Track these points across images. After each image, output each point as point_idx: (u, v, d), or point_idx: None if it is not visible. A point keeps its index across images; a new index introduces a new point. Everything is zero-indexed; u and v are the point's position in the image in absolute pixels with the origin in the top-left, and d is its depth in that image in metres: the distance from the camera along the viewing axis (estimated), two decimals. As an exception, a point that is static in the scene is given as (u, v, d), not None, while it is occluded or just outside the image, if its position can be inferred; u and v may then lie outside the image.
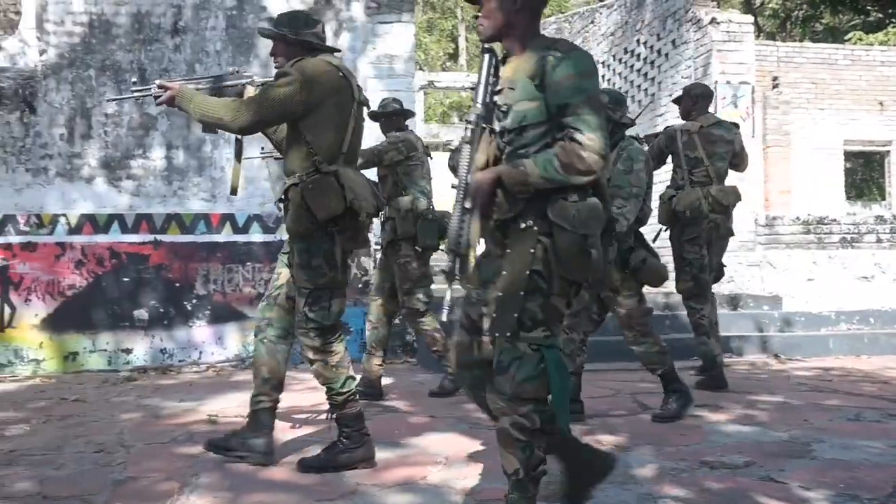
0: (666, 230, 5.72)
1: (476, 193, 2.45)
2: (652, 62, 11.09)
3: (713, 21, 9.62)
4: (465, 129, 2.55)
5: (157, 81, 3.63)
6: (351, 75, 3.65)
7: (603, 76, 11.91)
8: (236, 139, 3.81)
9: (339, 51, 3.92)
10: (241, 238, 7.14)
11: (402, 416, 4.77)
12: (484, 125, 2.52)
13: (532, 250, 2.43)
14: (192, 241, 7.08)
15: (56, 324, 6.87)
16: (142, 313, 7.00)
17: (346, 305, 6.00)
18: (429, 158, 5.51)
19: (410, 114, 5.66)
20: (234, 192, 3.82)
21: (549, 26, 13.25)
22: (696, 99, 5.75)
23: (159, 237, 7.05)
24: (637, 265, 4.44)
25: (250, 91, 3.70)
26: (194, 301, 7.07)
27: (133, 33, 7.11)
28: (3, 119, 6.95)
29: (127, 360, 6.94)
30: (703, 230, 5.55)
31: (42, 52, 7.07)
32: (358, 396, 3.64)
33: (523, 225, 2.46)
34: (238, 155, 3.83)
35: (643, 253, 4.48)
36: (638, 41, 11.51)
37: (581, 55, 2.50)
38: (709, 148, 5.60)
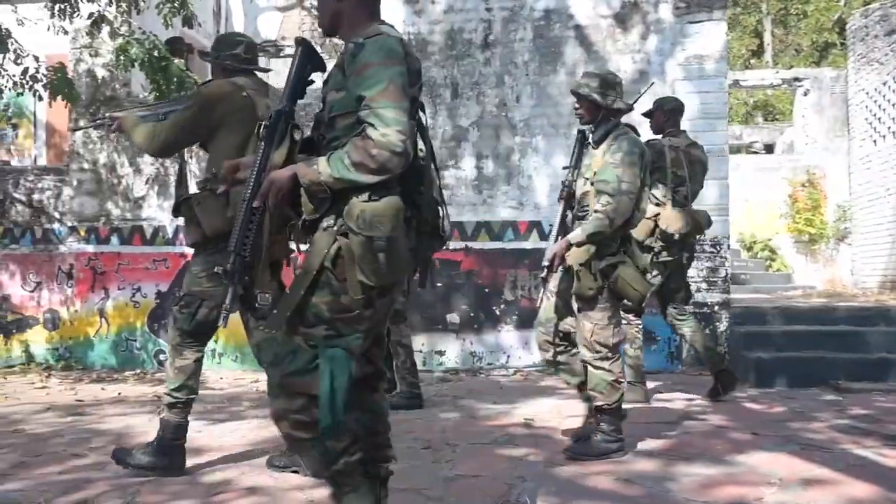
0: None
1: (267, 192, 2.29)
2: None
3: None
4: (259, 126, 2.44)
5: (108, 114, 3.96)
6: (260, 94, 3.73)
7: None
8: (179, 166, 4.04)
9: (263, 70, 4.04)
10: (547, 245, 7.19)
11: (720, 432, 4.54)
12: (291, 122, 2.39)
13: (326, 249, 2.24)
14: (501, 247, 7.27)
15: (377, 325, 7.35)
16: (454, 317, 7.31)
17: (655, 314, 5.92)
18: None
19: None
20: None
21: (873, 13, 12.12)
22: (669, 114, 5.55)
23: (470, 244, 7.32)
24: (606, 272, 3.91)
25: None
26: (502, 306, 7.26)
27: (446, 50, 7.46)
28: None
29: (440, 362, 7.28)
30: (678, 252, 5.42)
31: (366, 73, 7.61)
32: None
33: (325, 225, 2.27)
34: (178, 182, 3.96)
35: (614, 260, 3.92)
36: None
37: (382, 42, 2.28)
38: (690, 168, 5.42)
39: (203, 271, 3.65)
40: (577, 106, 4.18)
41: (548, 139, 7.30)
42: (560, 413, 5.04)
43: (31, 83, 6.77)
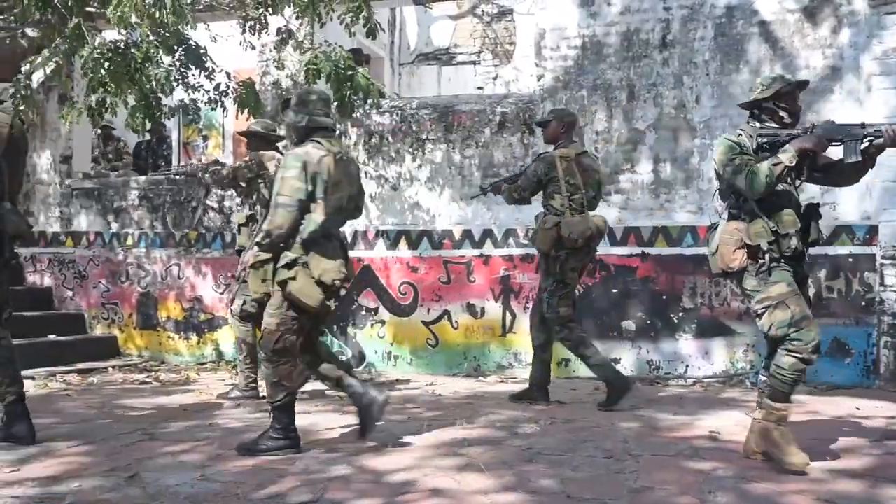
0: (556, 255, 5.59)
1: None
2: None
3: None
4: None
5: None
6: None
7: None
8: None
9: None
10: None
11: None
12: None
13: None
14: (679, 253, 7.04)
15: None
16: (629, 324, 7.13)
17: (848, 325, 5.55)
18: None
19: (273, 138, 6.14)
20: None
21: None
22: (566, 126, 5.79)
23: (647, 250, 7.13)
24: (280, 282, 4.10)
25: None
26: (681, 314, 7.01)
27: (622, 51, 7.30)
28: (505, 141, 7.58)
29: (615, 370, 7.11)
30: (584, 257, 5.67)
31: (539, 78, 7.58)
32: None
33: None
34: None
35: (290, 273, 4.09)
36: None
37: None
38: (583, 176, 5.66)
39: None
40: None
41: (730, 141, 7.00)
42: (748, 427, 4.79)
43: (221, 98, 7.17)
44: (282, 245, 4.12)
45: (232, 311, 6.19)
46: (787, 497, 3.34)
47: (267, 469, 3.81)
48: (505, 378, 7.20)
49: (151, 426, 4.87)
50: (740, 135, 3.98)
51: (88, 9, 6.20)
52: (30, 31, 6.54)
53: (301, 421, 4.99)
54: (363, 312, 7.84)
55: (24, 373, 6.85)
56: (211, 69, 7.01)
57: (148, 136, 10.31)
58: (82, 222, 8.83)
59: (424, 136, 7.81)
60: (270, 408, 4.22)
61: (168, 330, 8.43)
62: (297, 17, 7.07)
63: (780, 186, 3.83)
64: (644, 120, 7.22)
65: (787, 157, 3.75)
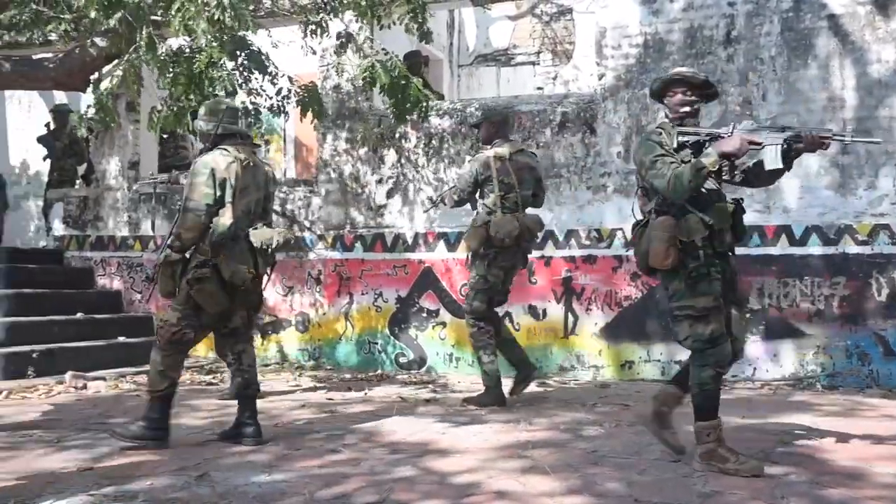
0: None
1: None
2: None
3: None
4: None
5: None
6: None
7: None
8: None
9: None
10: (797, 251, 6.77)
11: None
12: None
13: None
14: (746, 253, 6.86)
15: (613, 333, 7.22)
16: (694, 326, 7.00)
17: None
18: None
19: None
20: None
21: None
22: (496, 126, 5.92)
23: (711, 250, 6.99)
24: (190, 282, 4.33)
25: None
26: (748, 315, 6.84)
27: (685, 48, 7.19)
28: (566, 141, 7.52)
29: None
30: (512, 256, 5.74)
31: (601, 77, 7.51)
32: None
33: None
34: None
35: (198, 274, 4.33)
36: None
37: None
38: (518, 174, 5.74)
39: None
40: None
41: (797, 138, 6.84)
42: (820, 431, 4.68)
43: (283, 103, 7.24)
44: (192, 247, 4.37)
45: None
46: (863, 503, 3.24)
47: (332, 470, 3.84)
48: (567, 380, 7.14)
49: (219, 427, 4.94)
50: (661, 133, 3.86)
51: (154, 17, 6.32)
52: (99, 41, 6.69)
53: (365, 423, 5.04)
54: (424, 315, 7.85)
55: (95, 373, 7.10)
56: (273, 74, 7.08)
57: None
58: (149, 226, 9.02)
59: (484, 138, 7.77)
60: (149, 397, 4.41)
61: (233, 332, 8.54)
62: (357, 21, 7.12)
63: (709, 184, 3.78)
64: (708, 118, 7.07)
65: (709, 161, 3.63)
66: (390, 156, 8.11)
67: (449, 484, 3.57)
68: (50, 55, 7.29)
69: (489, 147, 5.90)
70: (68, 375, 6.83)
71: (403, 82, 6.35)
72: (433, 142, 7.96)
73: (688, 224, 3.72)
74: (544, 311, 7.46)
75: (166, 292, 4.45)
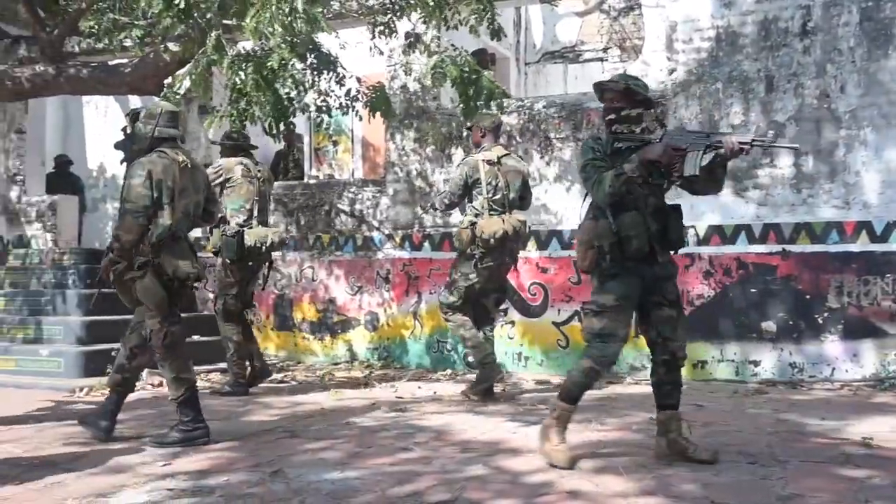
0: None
1: None
2: None
3: None
4: None
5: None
6: None
7: None
8: None
9: None
10: (879, 247, 6.55)
11: None
12: None
13: None
14: (824, 250, 6.71)
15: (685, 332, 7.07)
16: (770, 325, 6.84)
17: None
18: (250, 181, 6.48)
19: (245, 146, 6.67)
20: None
21: None
22: (486, 130, 6.08)
23: (787, 247, 6.82)
24: (132, 279, 4.43)
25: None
26: (826, 314, 6.68)
27: (760, 41, 7.02)
28: (636, 138, 7.40)
29: (754, 372, 6.85)
30: (498, 256, 5.87)
31: (671, 72, 7.39)
32: None
33: None
34: None
35: (136, 273, 4.41)
36: None
37: None
38: (506, 177, 5.92)
39: None
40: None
41: (878, 131, 6.62)
42: (903, 433, 4.52)
43: (351, 103, 7.30)
44: (132, 248, 4.39)
45: (216, 310, 6.55)
46: (953, 509, 3.12)
47: (404, 468, 3.85)
48: (638, 379, 7.04)
49: (291, 424, 5.00)
50: (599, 139, 3.96)
51: (226, 21, 6.43)
52: (172, 46, 6.83)
53: (435, 421, 5.05)
54: (493, 313, 7.82)
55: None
56: (342, 75, 7.14)
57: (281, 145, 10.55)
58: (222, 227, 9.17)
59: (552, 135, 7.73)
60: (176, 405, 4.46)
61: (303, 331, 8.66)
62: (424, 22, 7.13)
63: (639, 190, 3.81)
64: (784, 112, 6.92)
65: (630, 167, 3.71)
66: (458, 154, 8.11)
67: (521, 483, 3.55)
68: (125, 61, 7.46)
69: (478, 150, 6.07)
70: (145, 373, 6.99)
71: (475, 76, 6.36)
72: (501, 140, 7.91)
73: (598, 229, 3.85)
74: (614, 310, 7.36)
75: (130, 302, 4.54)
